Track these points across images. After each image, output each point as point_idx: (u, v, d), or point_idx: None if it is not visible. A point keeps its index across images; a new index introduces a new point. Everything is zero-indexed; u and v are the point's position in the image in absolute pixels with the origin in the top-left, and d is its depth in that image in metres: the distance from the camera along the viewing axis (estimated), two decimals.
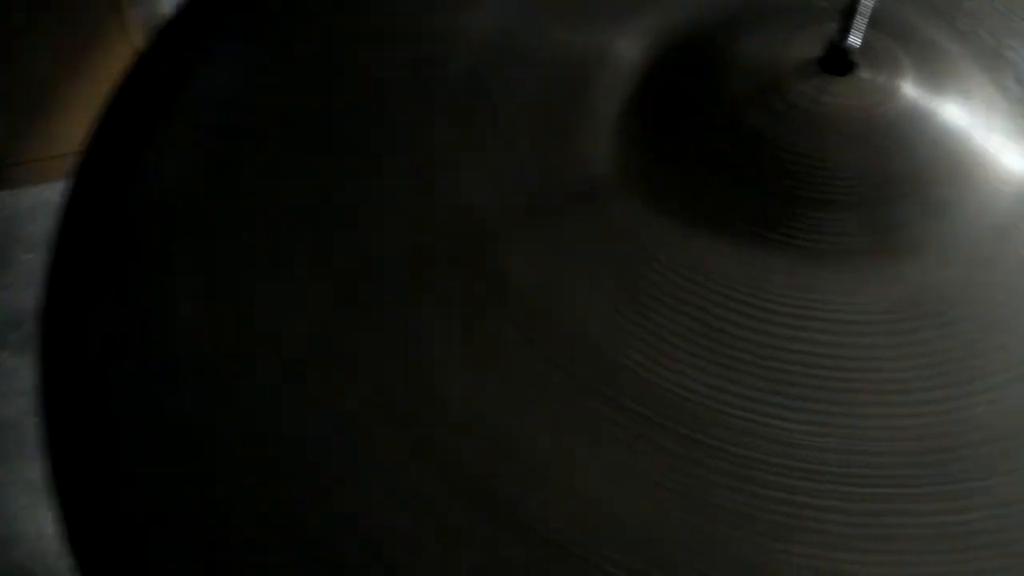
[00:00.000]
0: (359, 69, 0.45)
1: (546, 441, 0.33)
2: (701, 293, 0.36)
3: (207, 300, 0.38)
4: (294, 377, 0.35)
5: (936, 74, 0.38)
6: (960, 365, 0.33)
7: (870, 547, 0.30)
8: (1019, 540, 0.30)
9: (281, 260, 0.39)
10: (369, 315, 0.37)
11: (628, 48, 0.42)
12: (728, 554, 0.31)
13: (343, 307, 0.37)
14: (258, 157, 0.43)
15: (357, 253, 0.39)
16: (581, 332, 0.35)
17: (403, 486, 0.33)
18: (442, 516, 0.32)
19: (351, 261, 0.39)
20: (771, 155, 0.37)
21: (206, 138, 0.44)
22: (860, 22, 0.36)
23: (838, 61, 0.38)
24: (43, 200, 1.09)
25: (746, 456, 0.32)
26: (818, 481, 0.31)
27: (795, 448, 0.32)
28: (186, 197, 0.42)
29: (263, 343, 0.36)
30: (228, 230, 0.40)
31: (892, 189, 0.36)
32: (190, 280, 0.39)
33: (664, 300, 0.36)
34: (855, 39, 0.36)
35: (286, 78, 0.46)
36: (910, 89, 0.37)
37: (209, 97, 0.46)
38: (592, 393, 0.34)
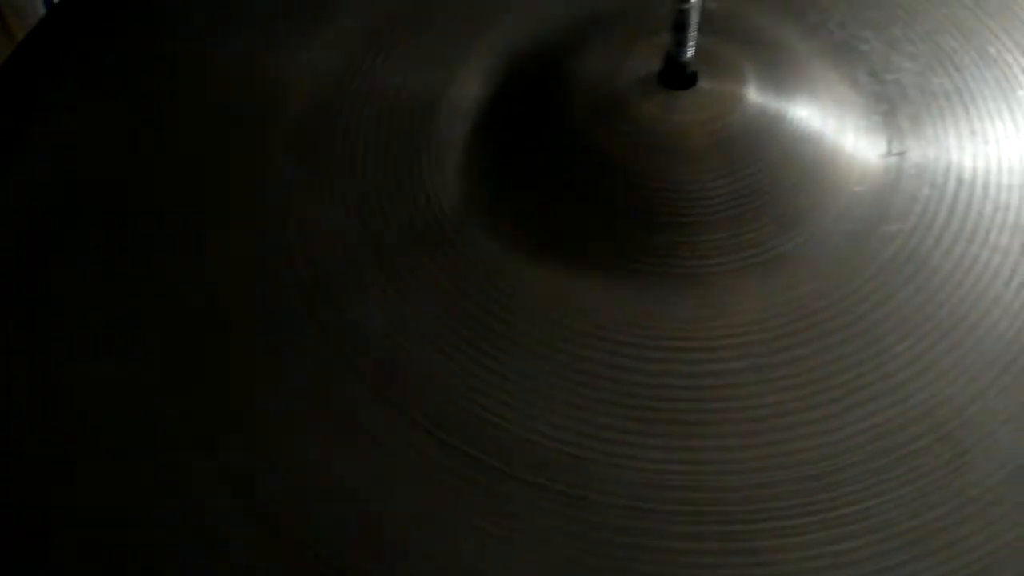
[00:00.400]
0: (198, 116, 0.43)
1: (401, 501, 0.31)
2: (557, 329, 0.34)
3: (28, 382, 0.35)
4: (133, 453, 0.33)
5: (782, 77, 0.37)
6: (834, 381, 0.32)
7: None
8: (902, 565, 0.29)
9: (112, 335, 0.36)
10: (214, 376, 0.35)
11: (469, 81, 0.40)
12: None
13: (182, 376, 0.35)
14: (87, 222, 0.40)
15: (203, 310, 0.37)
16: (432, 382, 0.33)
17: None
18: None
19: (196, 318, 0.36)
20: (619, 179, 0.36)
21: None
22: (693, 34, 0.34)
23: (677, 75, 0.36)
24: None
25: (617, 505, 0.30)
26: (696, 523, 0.30)
27: (669, 490, 0.30)
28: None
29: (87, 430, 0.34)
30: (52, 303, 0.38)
31: (745, 204, 0.35)
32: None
33: (517, 339, 0.34)
34: (689, 51, 0.35)
35: (119, 131, 0.43)
36: (755, 96, 0.36)
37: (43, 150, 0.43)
38: (447, 447, 0.32)
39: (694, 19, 0.34)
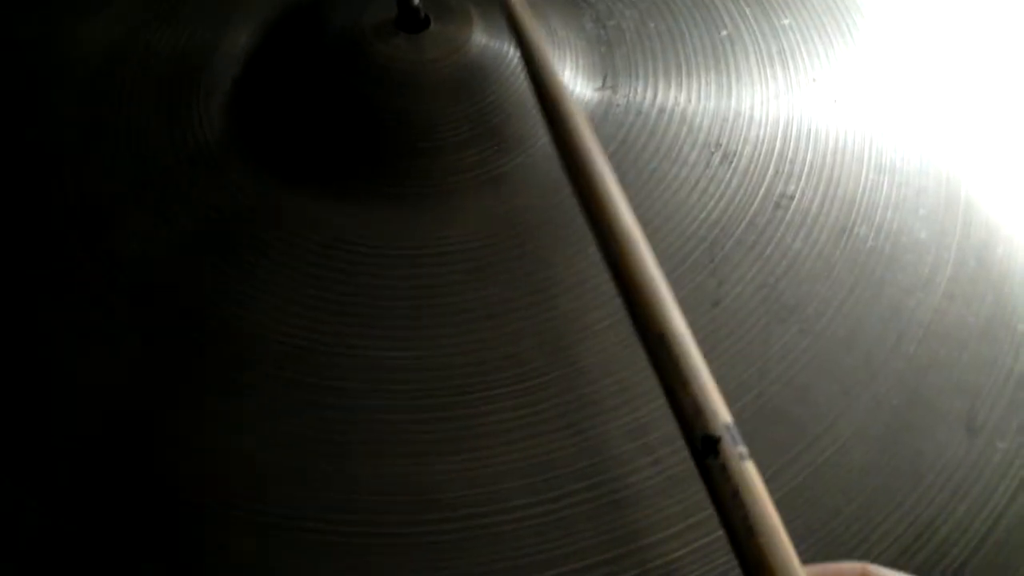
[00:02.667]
0: None
1: (152, 397, 0.36)
2: (311, 247, 0.38)
3: None
4: None
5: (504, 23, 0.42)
6: (534, 279, 0.37)
7: (450, 449, 0.34)
8: (584, 420, 0.34)
9: None
10: None
11: (238, 33, 0.44)
12: (333, 479, 0.34)
13: None
14: None
15: None
16: (199, 303, 0.38)
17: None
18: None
19: None
20: (363, 112, 0.40)
21: None
22: None
23: (412, 19, 0.41)
24: None
25: (349, 388, 0.35)
26: (404, 399, 0.35)
27: (387, 371, 0.35)
28: None
29: None
30: None
31: (470, 131, 0.40)
32: None
33: (275, 257, 0.38)
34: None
35: None
36: (480, 37, 0.41)
37: None
38: (207, 357, 0.36)
39: None
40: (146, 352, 0.37)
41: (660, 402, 0.35)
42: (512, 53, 0.41)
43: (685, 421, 0.28)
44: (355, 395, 0.35)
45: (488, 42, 0.41)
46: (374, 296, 0.37)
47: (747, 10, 0.46)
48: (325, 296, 0.37)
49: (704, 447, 0.27)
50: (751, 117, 0.42)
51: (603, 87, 0.42)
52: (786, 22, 0.45)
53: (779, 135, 0.41)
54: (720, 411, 0.28)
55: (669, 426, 0.34)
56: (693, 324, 0.36)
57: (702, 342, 0.35)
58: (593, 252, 0.38)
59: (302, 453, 0.34)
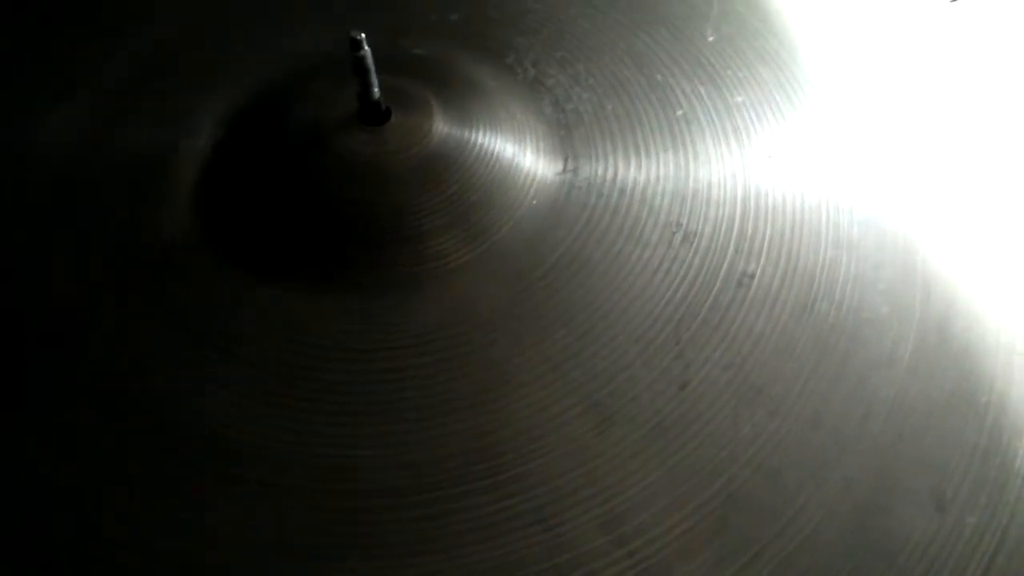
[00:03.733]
0: None
1: (132, 515, 0.35)
2: (276, 342, 0.38)
3: None
4: None
5: (467, 109, 0.43)
6: (502, 369, 0.37)
7: (422, 549, 0.33)
8: (557, 514, 0.34)
9: None
10: None
11: (200, 132, 0.44)
12: None
13: None
14: None
15: None
16: (165, 401, 0.37)
17: None
18: None
19: None
20: (326, 205, 0.41)
21: None
22: (375, 77, 0.39)
23: (373, 112, 0.41)
24: None
25: (312, 489, 0.35)
26: (372, 498, 0.34)
27: (352, 470, 0.35)
28: None
29: None
30: None
31: (432, 221, 0.40)
32: None
33: (239, 353, 0.38)
34: (376, 92, 0.40)
35: None
36: (441, 127, 0.41)
37: None
38: (173, 456, 0.36)
39: (371, 65, 0.39)
40: (110, 452, 0.36)
41: (633, 491, 0.35)
42: (474, 140, 0.42)
43: None
44: (320, 496, 0.35)
45: (450, 131, 0.42)
46: (339, 391, 0.37)
47: (701, 89, 0.47)
48: (290, 393, 0.37)
49: None
50: (709, 196, 0.42)
51: (564, 170, 0.43)
52: (739, 99, 0.46)
53: (738, 213, 0.42)
54: None
55: (643, 516, 0.34)
56: (662, 408, 0.37)
57: (671, 426, 0.36)
58: (562, 338, 0.38)
59: (266, 557, 0.34)
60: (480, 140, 0.42)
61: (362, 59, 0.38)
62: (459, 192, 0.41)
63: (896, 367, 0.38)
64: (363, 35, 0.39)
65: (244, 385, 0.37)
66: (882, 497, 0.35)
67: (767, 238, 0.41)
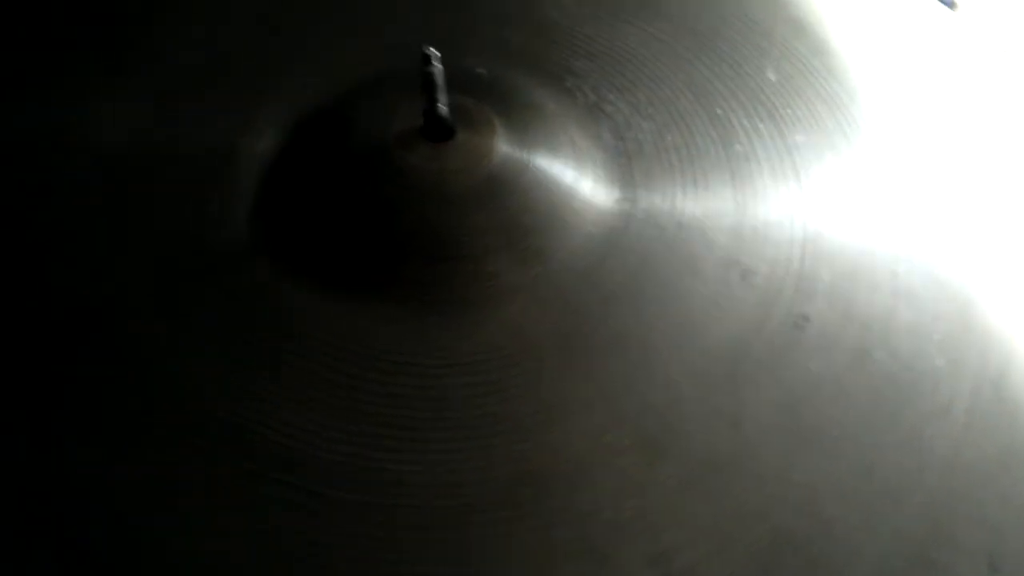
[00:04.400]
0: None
1: (181, 518, 0.35)
2: (326, 351, 0.38)
3: None
4: None
5: (529, 132, 0.42)
6: (550, 395, 0.37)
7: (463, 572, 0.33)
8: (604, 547, 0.34)
9: None
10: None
11: (261, 133, 0.44)
12: None
13: None
14: None
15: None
16: (213, 408, 0.37)
17: None
18: None
19: None
20: (387, 220, 0.40)
21: None
22: (443, 94, 0.39)
23: (437, 129, 0.41)
24: None
25: (354, 501, 0.34)
26: (410, 514, 0.34)
27: (392, 485, 0.35)
28: None
29: None
30: None
31: (490, 242, 0.40)
32: None
33: (290, 361, 0.38)
34: (443, 109, 0.40)
35: None
36: (503, 147, 0.41)
37: None
38: (228, 465, 0.36)
39: (441, 81, 0.39)
40: (156, 455, 0.36)
41: (682, 529, 0.35)
42: (535, 163, 0.42)
43: None
44: (359, 507, 0.34)
45: (511, 152, 0.41)
46: (384, 404, 0.37)
47: (761, 126, 0.46)
48: (333, 403, 0.37)
49: None
50: (767, 234, 0.42)
51: (622, 199, 0.43)
52: (800, 139, 0.46)
53: (796, 254, 0.41)
54: None
55: (691, 554, 0.34)
56: (714, 445, 0.36)
57: (722, 465, 0.36)
58: (614, 368, 0.38)
59: (304, 568, 0.33)
60: (540, 163, 0.42)
61: (431, 74, 0.38)
62: (517, 215, 0.40)
63: (951, 421, 0.37)
64: (434, 50, 0.39)
65: (292, 395, 0.37)
66: (934, 553, 0.34)
67: (825, 281, 0.40)
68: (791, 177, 0.45)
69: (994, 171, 0.46)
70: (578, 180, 0.42)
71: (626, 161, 0.44)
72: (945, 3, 0.68)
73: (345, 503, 0.35)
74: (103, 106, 0.46)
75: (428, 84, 0.39)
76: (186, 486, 0.35)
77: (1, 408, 0.37)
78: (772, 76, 0.49)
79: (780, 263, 0.41)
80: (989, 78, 0.52)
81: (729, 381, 0.37)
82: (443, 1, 0.52)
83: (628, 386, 0.37)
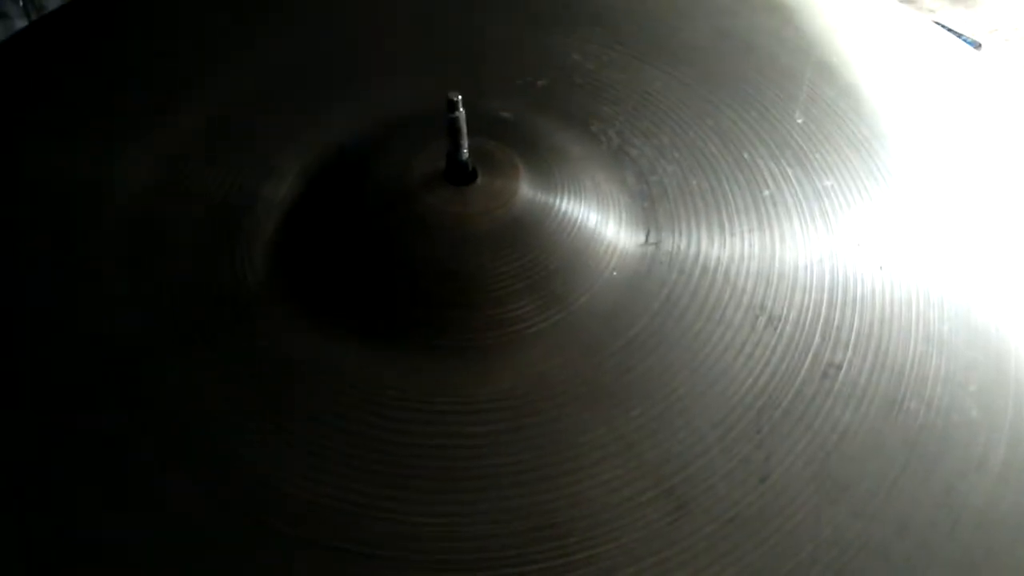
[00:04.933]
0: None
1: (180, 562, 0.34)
2: (343, 399, 0.37)
3: None
4: None
5: (552, 176, 0.42)
6: (573, 444, 0.36)
7: None
8: None
9: None
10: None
11: (281, 180, 0.44)
12: None
13: None
14: None
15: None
16: (227, 454, 0.36)
17: None
18: None
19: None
20: (408, 263, 0.40)
21: None
22: (465, 138, 0.39)
23: (459, 172, 0.41)
24: None
25: (362, 554, 0.34)
26: (430, 569, 0.33)
27: (412, 538, 0.34)
28: None
29: None
30: None
31: (511, 286, 0.39)
32: None
33: (307, 408, 0.37)
34: (465, 153, 0.40)
35: None
36: (526, 191, 0.41)
37: None
38: (241, 516, 0.35)
39: (463, 127, 0.39)
40: (167, 506, 0.35)
41: None
42: (558, 207, 0.41)
43: None
44: (375, 561, 0.34)
45: (534, 196, 0.41)
46: (403, 454, 0.36)
47: (789, 171, 0.46)
48: (353, 452, 0.36)
49: None
50: (796, 280, 0.41)
51: (647, 242, 0.42)
52: (828, 183, 0.45)
53: (824, 300, 0.40)
54: None
55: None
56: (740, 500, 0.35)
57: (749, 520, 0.34)
58: (636, 416, 0.37)
59: None
60: (564, 207, 0.41)
61: (456, 120, 0.38)
62: (539, 258, 0.40)
63: (986, 474, 0.36)
64: (459, 96, 0.39)
65: (304, 441, 0.36)
66: None
67: (855, 328, 0.39)
68: (819, 222, 0.44)
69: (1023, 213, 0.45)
70: (601, 223, 0.42)
71: (650, 204, 0.44)
72: (970, 44, 0.68)
73: (357, 555, 0.34)
74: (128, 157, 0.47)
75: (451, 128, 0.38)
76: (190, 528, 0.35)
77: (15, 447, 0.37)
78: (800, 120, 0.49)
79: (809, 309, 0.40)
80: (1016, 119, 0.51)
81: (756, 431, 0.36)
82: (468, 48, 0.52)
83: (650, 435, 0.36)
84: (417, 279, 0.40)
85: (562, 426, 0.36)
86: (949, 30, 0.71)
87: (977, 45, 0.88)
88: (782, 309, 0.40)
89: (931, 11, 1.26)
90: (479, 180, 0.41)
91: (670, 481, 0.35)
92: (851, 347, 0.39)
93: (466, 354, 0.38)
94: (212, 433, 0.37)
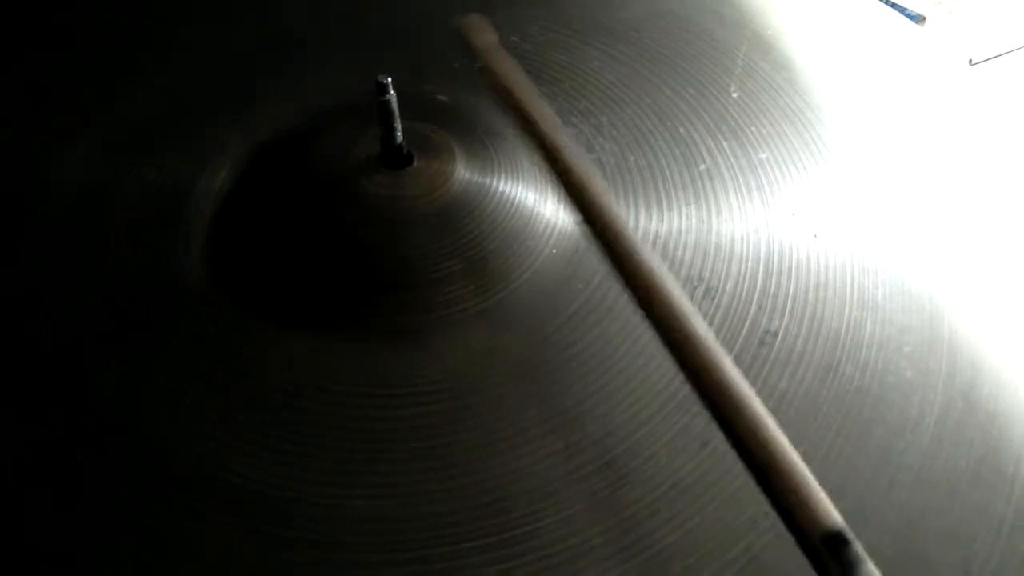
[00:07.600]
0: None
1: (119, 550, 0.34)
2: (282, 387, 0.37)
3: None
4: None
5: (488, 157, 0.42)
6: (516, 421, 0.36)
7: None
8: (571, 573, 0.33)
9: None
10: None
11: (218, 170, 0.44)
12: None
13: None
14: None
15: None
16: (160, 442, 0.36)
17: None
18: None
19: None
20: (346, 248, 0.40)
21: None
22: (399, 121, 0.39)
23: (395, 156, 0.41)
24: None
25: (305, 540, 0.34)
26: (374, 551, 0.33)
27: (355, 522, 0.34)
28: None
29: None
30: None
31: (452, 267, 0.39)
32: None
33: (247, 398, 0.37)
34: (399, 137, 0.40)
35: None
36: (463, 173, 0.41)
37: None
38: (182, 504, 0.35)
39: (395, 110, 0.39)
40: (106, 495, 0.35)
41: (652, 551, 0.34)
42: (495, 188, 0.42)
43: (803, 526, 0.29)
44: (322, 547, 0.34)
45: (471, 177, 0.41)
46: (343, 439, 0.36)
47: (724, 144, 0.46)
48: (293, 439, 0.36)
49: (832, 546, 0.28)
50: (732, 251, 0.42)
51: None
52: (763, 156, 0.46)
53: (760, 270, 0.41)
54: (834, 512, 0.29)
55: None
56: (681, 467, 0.36)
57: (691, 487, 0.35)
58: (579, 391, 0.37)
59: None
60: (501, 188, 0.41)
61: (387, 103, 0.38)
62: (477, 239, 0.40)
63: (921, 434, 0.37)
64: (389, 79, 0.39)
65: (244, 428, 0.36)
66: (908, 570, 0.33)
67: (791, 296, 0.40)
68: (755, 194, 0.44)
69: (958, 182, 0.46)
70: (539, 202, 0.42)
71: None
72: (912, 18, 0.69)
73: (302, 541, 0.34)
74: (64, 150, 0.46)
75: (383, 112, 0.38)
76: (137, 526, 0.34)
77: None
78: (735, 94, 0.49)
79: (745, 279, 0.41)
80: (954, 91, 0.52)
81: (696, 400, 0.37)
82: (404, 32, 0.52)
83: (591, 409, 0.36)
84: (356, 264, 0.40)
85: (504, 405, 0.36)
86: (892, 4, 0.72)
87: (920, 19, 0.89)
88: (719, 280, 0.41)
89: None
90: (415, 163, 0.41)
91: (612, 452, 0.36)
92: (787, 314, 0.40)
93: (409, 336, 0.38)
94: (152, 427, 0.36)
